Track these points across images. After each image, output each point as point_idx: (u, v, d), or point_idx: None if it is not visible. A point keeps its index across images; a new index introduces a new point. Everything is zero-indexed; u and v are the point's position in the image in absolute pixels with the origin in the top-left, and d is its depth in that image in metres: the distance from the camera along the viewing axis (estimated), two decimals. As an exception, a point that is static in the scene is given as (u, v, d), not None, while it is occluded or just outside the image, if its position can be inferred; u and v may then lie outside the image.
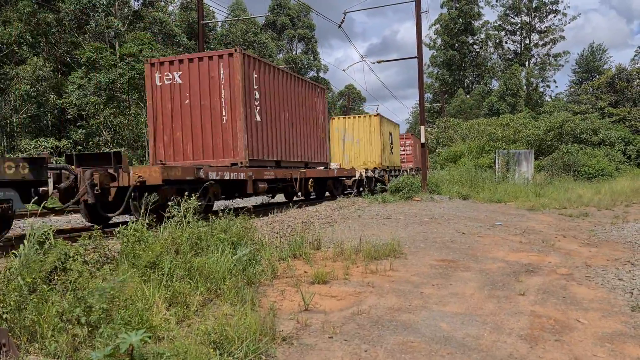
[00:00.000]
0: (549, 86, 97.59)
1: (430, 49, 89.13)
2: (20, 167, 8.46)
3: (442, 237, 10.58)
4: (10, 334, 3.99)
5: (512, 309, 5.78)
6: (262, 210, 15.63)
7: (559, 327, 5.19)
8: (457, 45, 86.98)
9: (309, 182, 18.45)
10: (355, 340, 4.71)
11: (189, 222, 7.16)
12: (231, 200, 15.96)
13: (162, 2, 52.31)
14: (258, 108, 14.95)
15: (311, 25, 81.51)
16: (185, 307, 5.18)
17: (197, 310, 5.20)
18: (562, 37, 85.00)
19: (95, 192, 9.85)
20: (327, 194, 21.91)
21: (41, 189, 9.09)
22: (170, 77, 14.63)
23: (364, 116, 29.13)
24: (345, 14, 26.46)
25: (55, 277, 5.01)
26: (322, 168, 20.86)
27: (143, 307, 4.71)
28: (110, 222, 11.92)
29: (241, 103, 13.96)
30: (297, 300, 5.89)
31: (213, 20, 48.15)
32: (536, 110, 66.75)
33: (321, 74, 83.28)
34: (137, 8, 48.31)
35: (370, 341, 4.68)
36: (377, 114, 28.58)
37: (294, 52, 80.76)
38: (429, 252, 9.10)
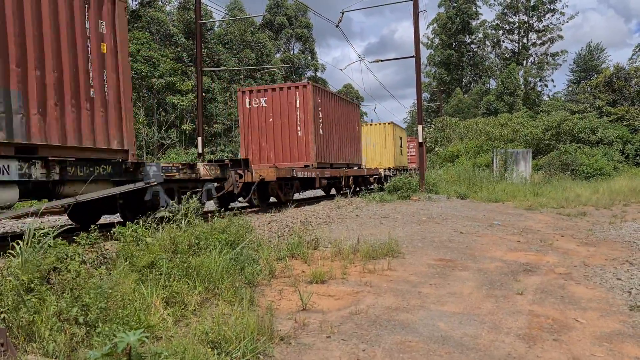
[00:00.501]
0: (546, 85, 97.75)
1: (427, 49, 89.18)
2: (216, 168, 12.79)
3: (440, 237, 10.58)
4: (8, 334, 3.98)
5: (510, 308, 5.78)
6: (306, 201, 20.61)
7: (557, 326, 5.19)
8: (454, 44, 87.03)
9: (350, 179, 23.57)
10: (353, 339, 4.70)
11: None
12: (301, 192, 20.99)
13: (160, 2, 52.31)
14: (321, 124, 20.44)
15: (309, 25, 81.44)
16: (183, 307, 5.17)
17: (194, 310, 5.20)
18: (560, 37, 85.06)
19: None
20: (357, 188, 25.23)
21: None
22: (258, 101, 20.02)
23: (380, 124, 34.45)
24: (342, 14, 26.45)
25: (54, 277, 5.00)
26: (357, 168, 25.67)
27: (141, 306, 4.70)
28: (231, 206, 16.03)
29: (312, 121, 19.39)
30: (295, 300, 5.89)
31: (211, 20, 48.16)
32: (534, 110, 66.73)
33: (319, 74, 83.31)
34: (134, 7, 48.26)
35: (368, 341, 4.68)
36: (391, 122, 34.36)
37: (292, 52, 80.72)
38: (426, 252, 9.09)
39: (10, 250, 5.20)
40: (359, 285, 6.72)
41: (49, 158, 7.93)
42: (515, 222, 13.40)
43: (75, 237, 5.86)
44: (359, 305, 5.80)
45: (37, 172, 7.70)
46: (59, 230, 5.63)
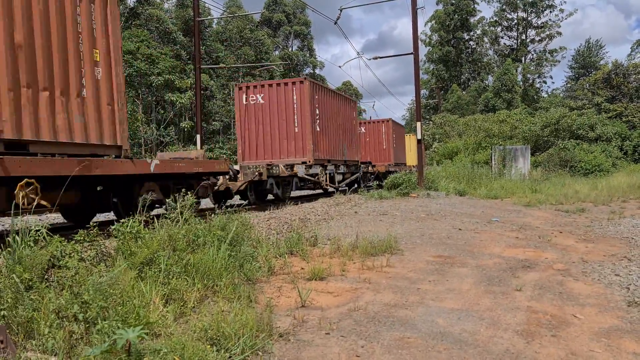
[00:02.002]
0: (545, 82, 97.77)
1: (426, 46, 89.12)
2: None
3: (438, 233, 10.59)
4: (7, 331, 3.99)
5: (508, 304, 5.79)
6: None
7: (555, 322, 5.20)
8: (453, 41, 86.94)
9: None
10: (352, 336, 4.71)
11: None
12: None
13: (158, -1, 52.24)
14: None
15: (307, 22, 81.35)
16: (182, 304, 5.18)
17: (194, 307, 5.21)
18: (559, 33, 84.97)
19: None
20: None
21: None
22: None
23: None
24: (341, 10, 26.40)
25: (52, 274, 5.01)
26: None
27: (140, 303, 4.71)
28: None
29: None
30: (293, 297, 5.90)
31: (209, 17, 48.14)
32: (533, 107, 66.76)
33: (317, 71, 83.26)
34: (133, 5, 48.21)
35: (367, 337, 4.69)
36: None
37: (290, 49, 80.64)
38: (425, 248, 9.11)
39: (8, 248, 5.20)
40: (358, 282, 6.73)
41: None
42: (514, 219, 13.42)
43: (73, 235, 5.86)
44: (357, 301, 5.81)
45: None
46: (49, 228, 5.63)
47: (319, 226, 11.13)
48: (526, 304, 5.79)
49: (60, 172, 7.78)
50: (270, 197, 18.66)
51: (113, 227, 6.41)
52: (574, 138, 40.79)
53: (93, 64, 8.94)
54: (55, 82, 8.11)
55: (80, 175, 8.18)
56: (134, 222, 6.41)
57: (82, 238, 5.78)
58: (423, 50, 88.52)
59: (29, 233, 5.28)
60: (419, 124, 23.52)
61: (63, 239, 5.44)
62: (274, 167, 16.78)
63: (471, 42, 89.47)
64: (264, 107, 19.82)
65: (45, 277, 4.97)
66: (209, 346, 4.07)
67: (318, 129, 20.33)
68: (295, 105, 19.54)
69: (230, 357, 4.06)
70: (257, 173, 15.78)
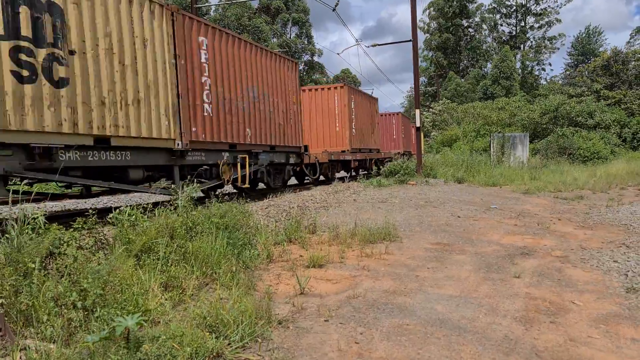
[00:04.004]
0: (544, 69, 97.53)
1: (424, 33, 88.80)
2: None
3: (437, 221, 10.59)
4: (6, 319, 3.99)
5: (507, 291, 5.80)
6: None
7: (554, 309, 5.21)
8: (451, 28, 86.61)
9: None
10: (351, 323, 4.72)
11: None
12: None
13: (156, -14, 51.79)
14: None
15: (305, 9, 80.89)
16: (180, 292, 5.18)
17: (192, 295, 5.21)
18: (558, 20, 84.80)
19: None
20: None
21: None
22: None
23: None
24: (339, -3, 26.28)
25: (51, 262, 5.00)
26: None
27: (139, 291, 4.71)
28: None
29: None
30: (292, 284, 5.90)
31: (207, 4, 47.83)
32: (531, 94, 66.64)
33: (316, 58, 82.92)
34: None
35: (366, 324, 4.69)
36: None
37: (289, 36, 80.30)
38: (424, 236, 9.11)
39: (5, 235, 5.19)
40: (357, 269, 6.74)
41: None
42: (513, 206, 13.42)
43: (72, 222, 5.85)
44: (356, 289, 5.81)
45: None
46: (47, 216, 5.61)
47: (318, 214, 11.13)
48: (525, 291, 5.80)
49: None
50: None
51: (111, 215, 6.40)
52: (573, 125, 40.67)
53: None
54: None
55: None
56: (132, 210, 6.41)
57: (80, 226, 5.77)
58: (421, 38, 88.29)
59: (26, 221, 5.27)
60: (417, 111, 23.48)
61: (62, 226, 5.44)
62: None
63: (470, 29, 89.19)
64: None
65: (44, 264, 4.97)
66: (207, 333, 4.07)
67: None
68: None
69: (229, 344, 4.06)
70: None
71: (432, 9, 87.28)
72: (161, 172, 11.93)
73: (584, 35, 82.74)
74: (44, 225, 5.28)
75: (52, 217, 10.68)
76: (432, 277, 6.40)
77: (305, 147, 19.61)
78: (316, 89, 24.61)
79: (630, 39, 72.64)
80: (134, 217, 6.38)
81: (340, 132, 24.27)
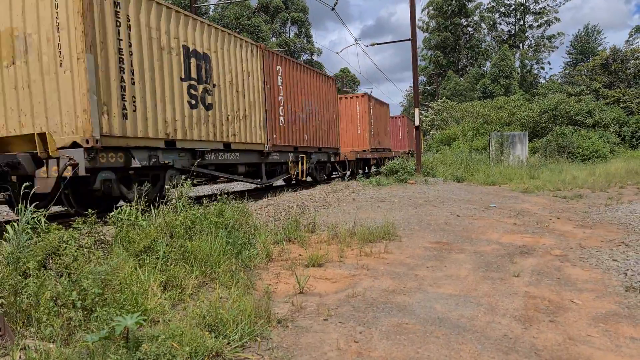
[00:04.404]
0: (543, 68, 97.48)
1: (424, 32, 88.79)
2: None
3: (436, 220, 10.60)
4: (5, 318, 3.99)
5: (506, 290, 5.80)
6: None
7: (553, 307, 5.21)
8: (450, 27, 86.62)
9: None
10: (350, 322, 4.72)
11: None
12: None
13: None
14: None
15: (304, 8, 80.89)
16: (180, 291, 5.18)
17: (192, 294, 5.21)
18: (557, 19, 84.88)
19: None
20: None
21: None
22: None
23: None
24: (338, -4, 26.31)
25: (50, 262, 5.00)
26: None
27: (138, 290, 4.71)
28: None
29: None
30: (292, 283, 5.90)
31: (206, 4, 47.79)
32: (530, 92, 66.64)
33: (315, 57, 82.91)
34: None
35: (365, 323, 4.70)
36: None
37: (288, 36, 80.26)
38: (423, 235, 9.11)
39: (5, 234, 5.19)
40: (356, 268, 6.74)
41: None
42: (512, 205, 13.43)
43: (72, 222, 5.85)
44: (356, 288, 5.82)
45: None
46: (47, 216, 5.62)
47: (317, 213, 11.13)
48: (524, 290, 5.80)
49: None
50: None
51: (111, 214, 6.40)
52: (572, 124, 40.69)
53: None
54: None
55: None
56: (131, 210, 6.41)
57: (79, 225, 5.77)
58: (421, 37, 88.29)
59: (27, 221, 5.27)
60: (416, 110, 23.49)
61: (61, 226, 5.44)
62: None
63: (469, 28, 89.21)
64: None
65: (44, 264, 4.97)
66: (207, 332, 4.08)
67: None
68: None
69: (228, 343, 4.07)
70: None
71: (431, 7, 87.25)
72: (254, 167, 15.99)
73: (582, 34, 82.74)
74: (44, 226, 5.29)
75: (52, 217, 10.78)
76: (432, 276, 6.41)
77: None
78: (345, 97, 28.50)
79: (629, 37, 72.67)
80: (133, 216, 6.38)
81: (362, 135, 28.34)
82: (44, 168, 9.00)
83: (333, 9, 26.22)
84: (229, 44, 14.02)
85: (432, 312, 5.00)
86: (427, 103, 73.52)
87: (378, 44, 46.46)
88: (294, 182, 20.00)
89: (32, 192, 6.97)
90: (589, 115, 41.52)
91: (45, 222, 5.39)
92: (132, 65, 10.24)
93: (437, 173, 22.58)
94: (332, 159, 22.64)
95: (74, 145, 9.17)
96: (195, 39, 12.40)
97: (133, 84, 10.27)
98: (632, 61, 55.09)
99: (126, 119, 10.04)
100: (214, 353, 3.86)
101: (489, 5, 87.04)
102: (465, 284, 6.03)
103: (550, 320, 4.83)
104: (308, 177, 20.60)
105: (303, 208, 11.96)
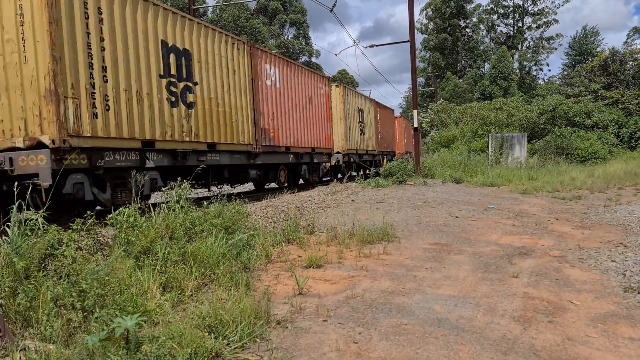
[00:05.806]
0: (541, 69, 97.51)
1: (422, 34, 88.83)
2: None
3: (435, 221, 10.61)
4: (5, 320, 3.99)
5: (505, 291, 5.81)
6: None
7: (552, 308, 5.22)
8: (449, 28, 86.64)
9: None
10: (349, 323, 4.73)
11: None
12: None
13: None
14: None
15: (303, 10, 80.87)
16: (179, 292, 5.19)
17: (191, 295, 5.22)
18: (556, 20, 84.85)
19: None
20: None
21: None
22: None
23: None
24: (337, -2, 26.32)
25: (50, 263, 5.00)
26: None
27: (138, 292, 4.72)
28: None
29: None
30: (291, 285, 5.91)
31: (204, 5, 47.80)
32: (529, 94, 66.68)
33: (313, 59, 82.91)
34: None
35: (364, 324, 4.70)
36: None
37: (286, 37, 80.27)
38: (422, 236, 9.13)
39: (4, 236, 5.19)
40: (355, 269, 6.75)
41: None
42: (511, 206, 13.44)
43: (70, 224, 5.85)
44: (355, 289, 5.83)
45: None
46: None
47: (316, 214, 11.14)
48: (523, 291, 5.81)
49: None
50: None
51: (110, 215, 6.40)
52: (571, 125, 40.69)
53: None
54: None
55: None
56: (130, 211, 6.41)
57: (78, 227, 5.77)
58: (419, 38, 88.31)
59: (25, 223, 5.27)
60: (415, 112, 23.51)
61: (60, 227, 5.44)
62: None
63: (467, 30, 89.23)
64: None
65: (43, 265, 4.97)
66: (206, 333, 4.08)
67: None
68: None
69: (228, 344, 4.07)
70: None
71: (429, 9, 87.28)
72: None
73: (581, 35, 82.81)
74: (43, 227, 5.29)
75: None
76: (430, 277, 6.42)
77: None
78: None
79: (627, 39, 72.77)
80: (132, 218, 6.38)
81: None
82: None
83: (332, 10, 26.24)
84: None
85: (431, 313, 5.01)
86: (425, 104, 73.51)
87: (377, 45, 46.66)
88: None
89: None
90: (587, 116, 41.55)
91: (44, 224, 5.39)
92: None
93: (436, 174, 22.59)
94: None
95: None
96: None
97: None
98: (631, 62, 55.18)
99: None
100: (213, 354, 3.87)
101: (488, 7, 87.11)
102: (464, 285, 6.04)
103: (549, 321, 4.84)
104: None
105: (302, 210, 11.97)
